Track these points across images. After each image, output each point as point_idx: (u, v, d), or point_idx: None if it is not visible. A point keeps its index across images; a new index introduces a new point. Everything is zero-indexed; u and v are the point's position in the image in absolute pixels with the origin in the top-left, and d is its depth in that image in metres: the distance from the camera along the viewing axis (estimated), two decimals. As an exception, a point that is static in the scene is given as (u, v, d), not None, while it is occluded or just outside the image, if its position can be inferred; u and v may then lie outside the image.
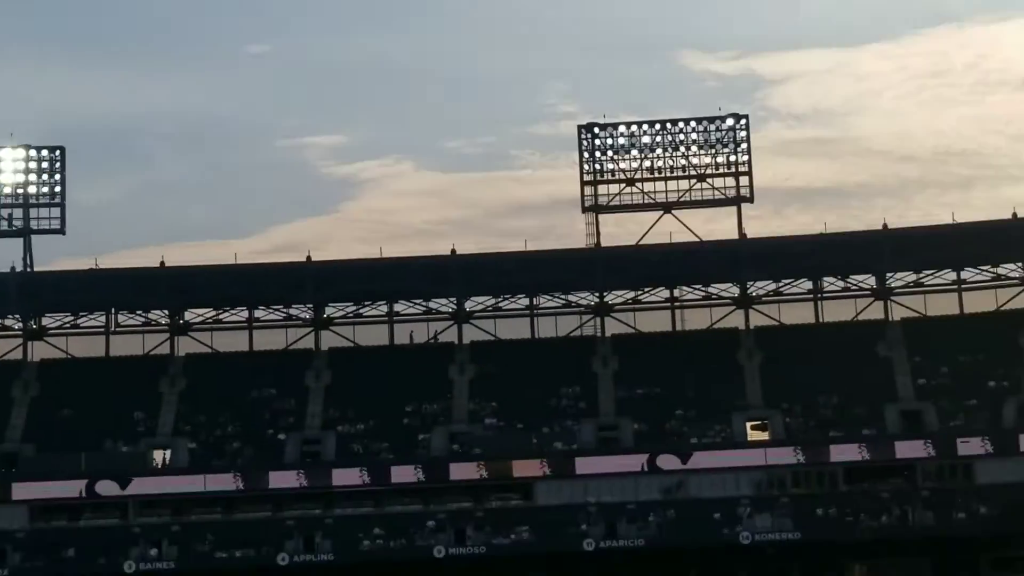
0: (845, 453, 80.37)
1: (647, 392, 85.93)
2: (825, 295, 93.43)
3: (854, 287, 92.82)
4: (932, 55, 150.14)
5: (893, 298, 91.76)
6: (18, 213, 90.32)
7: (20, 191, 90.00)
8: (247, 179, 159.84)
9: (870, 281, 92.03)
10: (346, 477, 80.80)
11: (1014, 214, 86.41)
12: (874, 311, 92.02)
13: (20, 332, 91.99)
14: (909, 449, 79.86)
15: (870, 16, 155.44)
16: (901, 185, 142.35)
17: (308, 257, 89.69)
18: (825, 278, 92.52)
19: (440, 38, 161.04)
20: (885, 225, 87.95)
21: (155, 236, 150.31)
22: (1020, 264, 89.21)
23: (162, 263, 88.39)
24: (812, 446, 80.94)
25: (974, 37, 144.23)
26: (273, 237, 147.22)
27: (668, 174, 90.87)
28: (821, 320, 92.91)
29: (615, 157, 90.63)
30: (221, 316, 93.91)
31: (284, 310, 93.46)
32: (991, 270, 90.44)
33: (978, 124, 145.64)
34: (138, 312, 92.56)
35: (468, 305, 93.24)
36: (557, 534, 77.58)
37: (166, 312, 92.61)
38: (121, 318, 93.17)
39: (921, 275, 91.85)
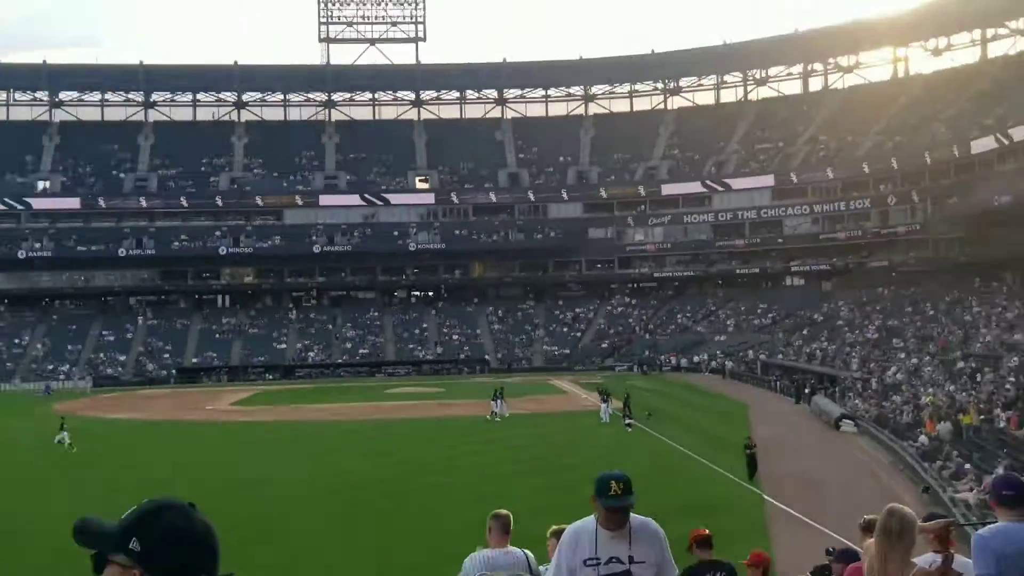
0: (475, 197, 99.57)
1: (356, 156, 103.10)
2: (467, 101, 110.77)
3: (484, 98, 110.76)
4: None
5: (507, 104, 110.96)
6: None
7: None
8: None
9: (493, 94, 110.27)
10: (166, 203, 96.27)
11: (579, 56, 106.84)
12: (495, 112, 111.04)
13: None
14: (510, 196, 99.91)
15: None
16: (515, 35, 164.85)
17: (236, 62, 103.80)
18: (467, 90, 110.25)
19: None
20: (504, 59, 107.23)
21: None
22: (581, 87, 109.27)
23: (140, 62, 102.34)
24: (454, 192, 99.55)
25: None
26: None
27: (374, 20, 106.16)
28: (464, 116, 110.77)
29: (341, 7, 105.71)
30: (175, 97, 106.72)
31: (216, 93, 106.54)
32: (565, 89, 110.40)
33: None
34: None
35: (244, 98, 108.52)
36: (298, 242, 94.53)
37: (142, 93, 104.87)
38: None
39: (524, 91, 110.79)
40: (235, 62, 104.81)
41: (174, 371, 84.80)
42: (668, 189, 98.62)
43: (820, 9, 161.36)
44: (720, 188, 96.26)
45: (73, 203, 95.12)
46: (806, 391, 54.73)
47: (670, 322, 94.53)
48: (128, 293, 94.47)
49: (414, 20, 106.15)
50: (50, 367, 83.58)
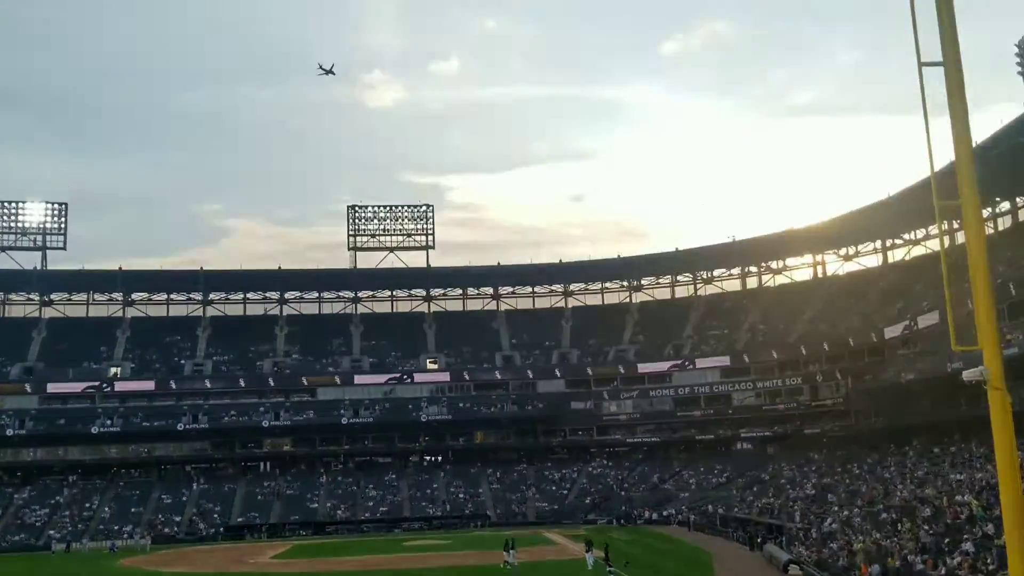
0: (477, 376, 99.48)
1: (377, 343, 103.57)
2: (468, 296, 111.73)
3: (483, 294, 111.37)
4: (526, 180, 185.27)
5: (501, 299, 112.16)
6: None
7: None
8: (170, 225, 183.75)
9: (490, 291, 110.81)
10: (221, 383, 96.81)
11: (559, 260, 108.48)
12: (491, 306, 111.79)
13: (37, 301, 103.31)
14: (506, 374, 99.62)
15: (496, 158, 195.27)
16: (507, 243, 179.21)
17: (201, 268, 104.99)
18: (468, 288, 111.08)
19: (278, 154, 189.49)
20: (499, 263, 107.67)
21: (117, 253, 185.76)
22: (562, 285, 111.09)
23: (120, 267, 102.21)
24: (458, 373, 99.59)
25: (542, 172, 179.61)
26: (182, 257, 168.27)
27: (393, 232, 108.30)
28: (466, 309, 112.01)
29: (366, 223, 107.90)
30: (151, 297, 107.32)
31: (187, 295, 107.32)
32: (549, 287, 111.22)
33: (545, 215, 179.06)
34: (105, 292, 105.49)
35: (286, 296, 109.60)
36: (328, 415, 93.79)
37: (121, 294, 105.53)
38: (96, 296, 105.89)
39: (515, 288, 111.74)
40: (279, 267, 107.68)
41: (221, 528, 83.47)
42: (638, 368, 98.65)
43: (753, 222, 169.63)
44: (678, 368, 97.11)
45: (148, 385, 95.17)
46: (759, 540, 54.35)
47: (642, 481, 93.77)
48: (184, 462, 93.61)
49: (425, 232, 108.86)
50: (115, 527, 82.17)
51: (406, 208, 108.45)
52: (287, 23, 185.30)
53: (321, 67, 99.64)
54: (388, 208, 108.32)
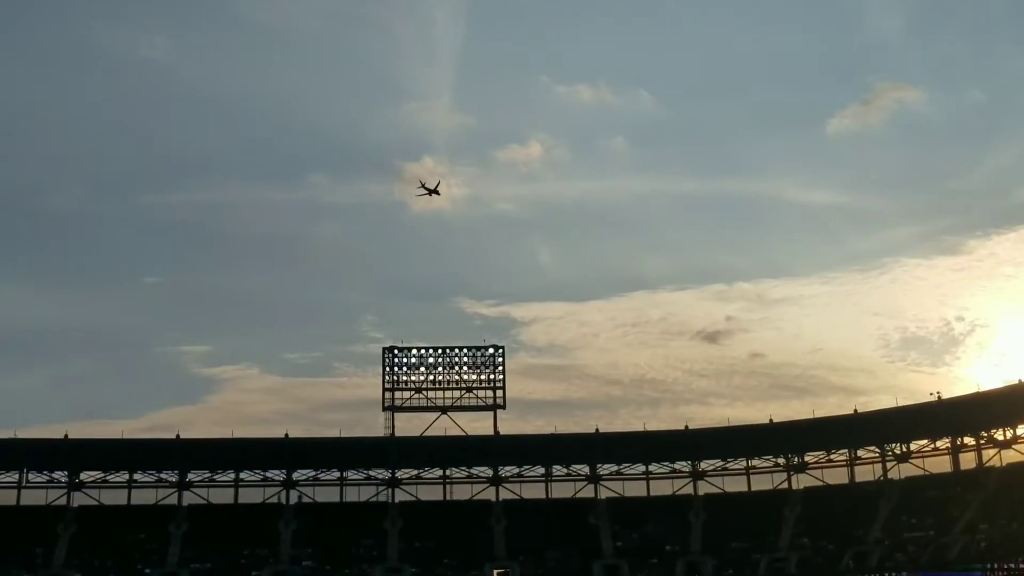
0: None
1: (422, 545, 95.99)
2: (553, 478, 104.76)
3: (574, 473, 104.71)
4: (633, 311, 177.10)
5: (601, 482, 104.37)
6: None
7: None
8: (136, 376, 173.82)
9: (585, 469, 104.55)
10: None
11: (686, 426, 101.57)
12: (587, 491, 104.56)
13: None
14: None
15: (590, 280, 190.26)
16: (609, 401, 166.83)
17: (177, 435, 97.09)
18: (554, 466, 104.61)
19: (282, 275, 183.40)
20: (597, 429, 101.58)
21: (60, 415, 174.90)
22: (689, 462, 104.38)
23: (65, 436, 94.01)
24: None
25: (661, 300, 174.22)
26: (152, 420, 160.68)
27: (445, 385, 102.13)
28: (550, 496, 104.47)
29: (408, 372, 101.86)
30: (108, 477, 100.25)
31: (156, 474, 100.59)
32: (670, 464, 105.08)
33: (663, 361, 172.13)
34: (44, 471, 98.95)
35: (295, 476, 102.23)
36: None
37: (66, 472, 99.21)
38: (31, 476, 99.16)
39: (621, 466, 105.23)
40: (285, 434, 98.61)
41: None
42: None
43: (965, 373, 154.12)
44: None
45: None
46: None
47: None
48: None
49: (492, 385, 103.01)
50: None
51: (465, 351, 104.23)
52: (302, 95, 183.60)
53: (423, 185, 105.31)
54: (440, 351, 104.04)
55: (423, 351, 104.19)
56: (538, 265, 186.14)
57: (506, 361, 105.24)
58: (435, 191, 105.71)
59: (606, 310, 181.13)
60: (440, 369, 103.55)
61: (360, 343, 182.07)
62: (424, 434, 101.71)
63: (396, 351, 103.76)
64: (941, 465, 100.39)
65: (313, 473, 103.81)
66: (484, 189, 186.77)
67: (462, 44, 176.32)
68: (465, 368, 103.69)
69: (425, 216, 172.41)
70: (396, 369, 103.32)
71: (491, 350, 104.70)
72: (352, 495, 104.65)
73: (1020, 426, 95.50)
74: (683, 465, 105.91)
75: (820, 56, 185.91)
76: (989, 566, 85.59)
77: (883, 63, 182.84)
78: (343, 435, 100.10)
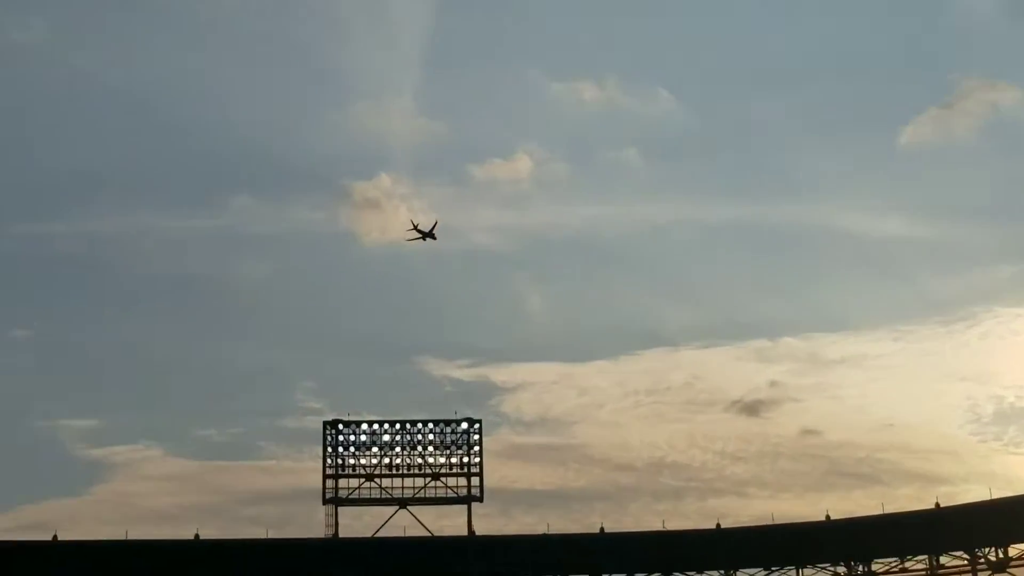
0: None
1: None
2: None
3: None
4: (649, 374, 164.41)
5: None
6: None
7: None
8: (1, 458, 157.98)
9: None
10: None
11: (717, 525, 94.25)
12: None
13: None
14: None
15: (593, 334, 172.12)
16: (618, 491, 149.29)
17: (54, 536, 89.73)
18: (544, 575, 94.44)
19: (194, 328, 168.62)
20: (602, 529, 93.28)
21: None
22: (722, 572, 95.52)
23: None
24: None
25: (685, 360, 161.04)
26: (23, 515, 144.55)
27: (405, 471, 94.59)
28: None
29: (356, 453, 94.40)
30: None
31: None
32: (696, 574, 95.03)
33: (688, 439, 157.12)
34: None
35: None
36: None
37: None
38: None
39: None
40: (195, 535, 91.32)
41: None
42: None
43: None
44: None
45: None
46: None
47: None
48: None
49: (466, 470, 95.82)
50: None
51: (431, 426, 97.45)
52: (221, 94, 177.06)
53: (416, 228, 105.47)
54: (398, 426, 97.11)
55: (376, 427, 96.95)
56: (526, 315, 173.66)
57: (484, 439, 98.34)
58: (430, 234, 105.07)
59: (614, 373, 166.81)
60: (398, 450, 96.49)
61: (295, 416, 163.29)
62: (377, 534, 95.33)
63: (341, 426, 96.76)
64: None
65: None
66: (457, 216, 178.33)
67: (429, 28, 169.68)
68: (431, 448, 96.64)
69: (380, 251, 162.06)
70: (341, 450, 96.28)
71: (464, 425, 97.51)
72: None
73: None
74: (714, 573, 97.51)
75: (891, 47, 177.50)
76: None
77: (971, 56, 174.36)
78: (271, 536, 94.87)
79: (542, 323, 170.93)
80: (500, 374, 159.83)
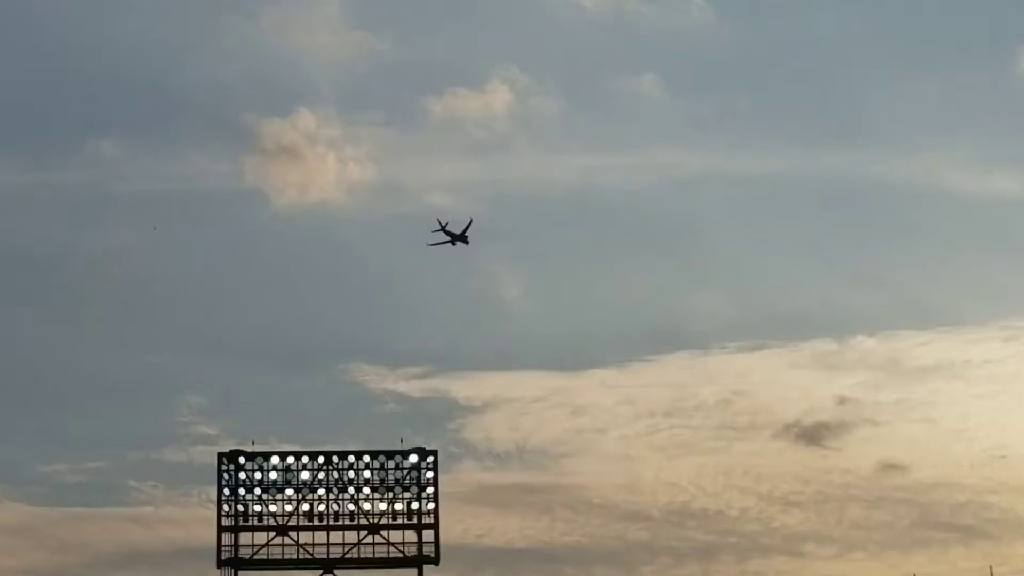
0: None
1: None
2: None
3: None
4: (671, 388, 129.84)
5: None
6: None
7: None
8: None
9: None
10: None
11: None
12: None
13: None
14: None
15: (593, 333, 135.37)
16: (626, 549, 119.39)
17: None
18: None
19: (38, 323, 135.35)
20: None
21: None
22: None
23: None
24: None
25: (720, 368, 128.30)
26: None
27: (332, 522, 76.78)
28: None
29: (264, 497, 76.20)
30: None
31: None
32: None
33: (724, 477, 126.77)
34: None
35: None
36: None
37: None
38: None
39: None
40: None
41: None
42: None
43: None
44: None
45: None
46: None
47: None
48: None
49: (415, 520, 78.87)
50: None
51: (367, 460, 79.42)
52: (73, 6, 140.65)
53: (444, 228, 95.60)
54: (322, 459, 78.56)
55: (291, 460, 78.46)
56: (500, 305, 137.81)
57: (441, 478, 79.39)
58: (462, 238, 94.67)
59: (621, 386, 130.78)
60: (322, 492, 78.43)
61: (177, 445, 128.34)
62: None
63: (243, 460, 78.38)
64: None
65: None
66: (405, 168, 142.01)
67: None
68: (368, 491, 78.39)
69: (298, 218, 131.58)
70: (243, 492, 78.40)
71: (413, 458, 78.32)
72: None
73: None
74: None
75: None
76: None
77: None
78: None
79: (522, 317, 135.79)
80: (463, 387, 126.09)
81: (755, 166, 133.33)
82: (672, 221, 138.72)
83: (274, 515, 77.35)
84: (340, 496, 77.07)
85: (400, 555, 77.54)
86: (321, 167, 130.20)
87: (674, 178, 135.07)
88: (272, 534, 77.39)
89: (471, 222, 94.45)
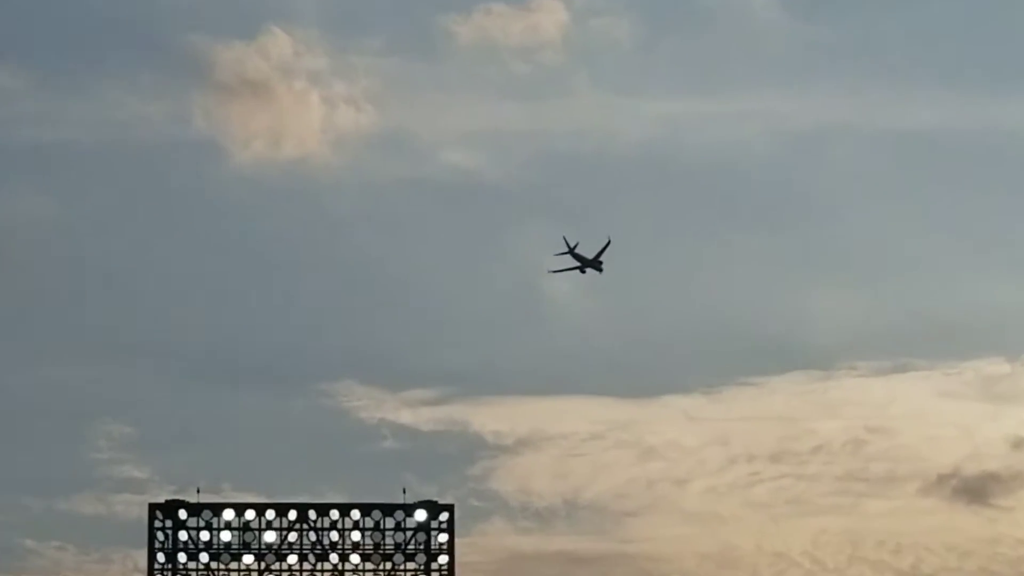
0: None
1: None
2: None
3: None
4: (776, 422, 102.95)
5: None
6: None
7: None
8: None
9: None
10: None
11: None
12: None
13: None
14: None
15: (666, 347, 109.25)
16: None
17: None
18: None
19: None
20: None
21: None
22: None
23: None
24: None
25: (845, 396, 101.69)
26: None
27: None
28: None
29: (214, 566, 57.98)
30: None
31: None
32: None
33: (851, 546, 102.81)
34: None
35: None
36: None
37: None
38: None
39: None
40: None
41: None
42: None
43: None
44: None
45: None
46: None
47: None
48: None
49: None
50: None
51: (359, 515, 61.17)
52: None
53: (572, 251, 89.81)
54: (295, 514, 61.00)
55: (251, 515, 60.67)
56: (544, 307, 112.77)
57: (457, 542, 61.56)
58: (594, 263, 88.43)
59: (709, 418, 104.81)
60: (294, 560, 60.79)
61: (92, 492, 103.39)
62: None
63: (185, 514, 61.12)
64: None
65: None
66: (413, 113, 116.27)
67: None
68: (355, 559, 60.08)
69: (264, 177, 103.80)
70: (184, 558, 60.78)
71: (421, 515, 59.74)
72: None
73: None
74: None
75: None
76: None
77: None
78: None
79: (573, 322, 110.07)
80: (490, 418, 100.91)
81: (901, 118, 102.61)
82: (783, 191, 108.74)
83: (232, 592, 62.92)
84: (319, 566, 58.59)
85: (402, 650, 60.93)
86: (299, 110, 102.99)
87: (788, 132, 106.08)
88: (228, 618, 62.11)
89: (608, 243, 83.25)
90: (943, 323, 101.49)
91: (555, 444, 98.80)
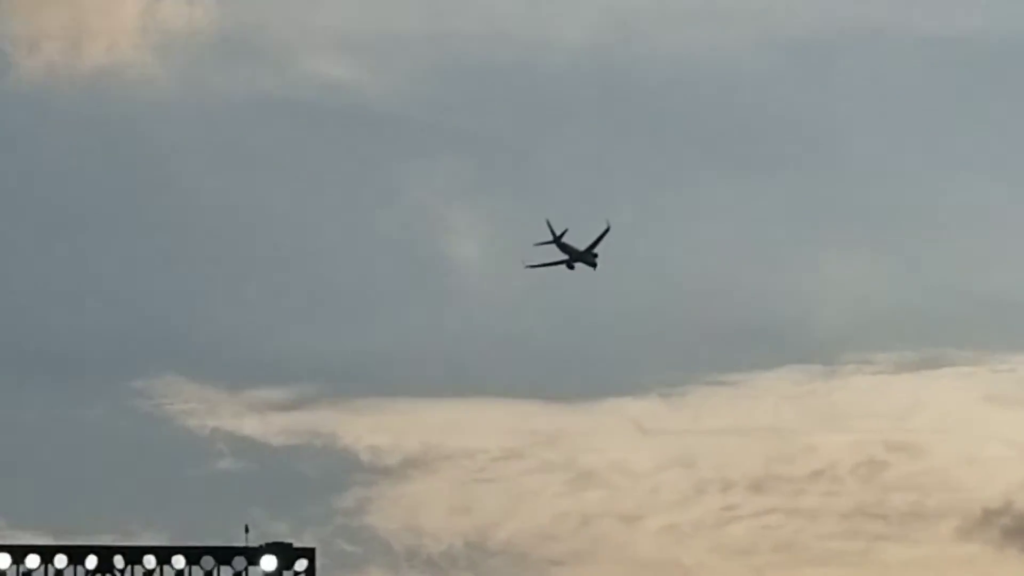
0: None
1: None
2: None
3: None
4: (761, 434, 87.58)
5: None
6: None
7: None
8: None
9: None
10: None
11: None
12: None
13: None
14: None
15: (619, 336, 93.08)
16: None
17: None
18: None
19: None
20: None
21: None
22: None
23: None
24: None
25: (865, 397, 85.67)
26: None
27: None
28: None
29: None
30: None
31: None
32: None
33: None
34: None
35: None
36: None
37: None
38: None
39: None
40: None
41: None
42: None
43: None
44: None
45: None
46: None
47: None
48: None
49: None
50: None
51: (179, 561, 47.78)
52: None
53: (556, 238, 77.18)
54: (93, 561, 47.20)
55: (32, 563, 48.02)
56: (445, 275, 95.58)
57: None
58: (587, 256, 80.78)
59: (665, 430, 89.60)
60: None
61: None
62: None
63: None
64: None
65: None
66: (262, 12, 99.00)
67: None
68: None
69: (63, 94, 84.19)
70: None
71: (269, 562, 47.11)
72: None
73: None
74: None
75: None
76: None
77: None
78: None
79: (483, 297, 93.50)
80: (364, 428, 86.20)
81: (941, 23, 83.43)
82: (777, 118, 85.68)
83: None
84: (135, 623, 46.78)
85: None
86: (108, 3, 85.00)
87: (786, 39, 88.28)
88: None
89: (607, 230, 71.27)
90: (992, 302, 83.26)
91: (456, 465, 78.97)
